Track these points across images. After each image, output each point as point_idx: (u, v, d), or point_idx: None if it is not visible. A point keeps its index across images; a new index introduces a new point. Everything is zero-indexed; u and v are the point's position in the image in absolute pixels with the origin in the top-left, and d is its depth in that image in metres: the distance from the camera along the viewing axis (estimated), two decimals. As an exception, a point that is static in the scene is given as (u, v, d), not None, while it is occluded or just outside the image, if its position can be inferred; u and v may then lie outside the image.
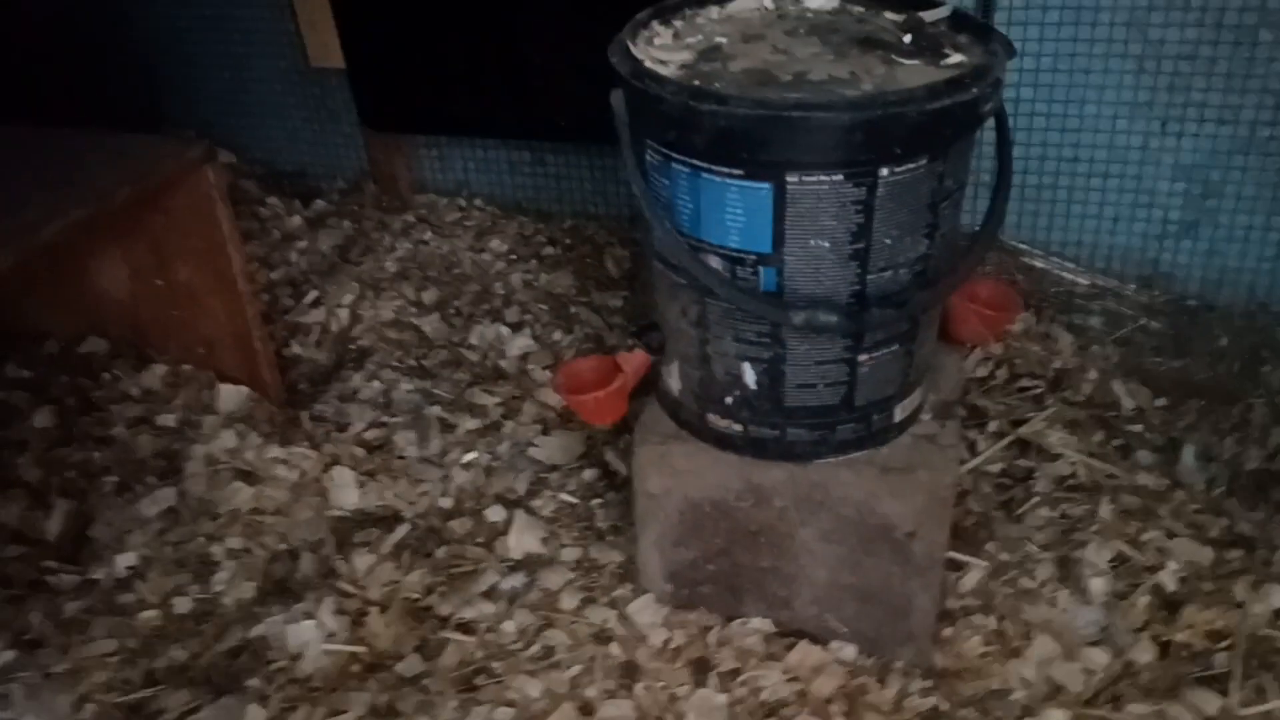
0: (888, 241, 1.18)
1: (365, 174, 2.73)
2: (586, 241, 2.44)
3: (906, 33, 1.30)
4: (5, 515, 1.71)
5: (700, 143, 1.15)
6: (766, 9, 1.41)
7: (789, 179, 1.13)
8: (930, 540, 1.36)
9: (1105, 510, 1.60)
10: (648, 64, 1.20)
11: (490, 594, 1.57)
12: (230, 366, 1.96)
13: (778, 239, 1.17)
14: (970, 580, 1.53)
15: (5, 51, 2.60)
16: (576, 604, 1.54)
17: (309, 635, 1.50)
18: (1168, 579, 1.49)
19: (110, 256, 1.96)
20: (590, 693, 1.41)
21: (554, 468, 1.80)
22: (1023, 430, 1.75)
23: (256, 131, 2.81)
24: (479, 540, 1.67)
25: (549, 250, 2.42)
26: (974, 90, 1.12)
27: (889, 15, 1.37)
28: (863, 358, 1.27)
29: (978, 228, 1.29)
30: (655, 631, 1.49)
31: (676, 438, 1.43)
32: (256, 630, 1.52)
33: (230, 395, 1.94)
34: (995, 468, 1.71)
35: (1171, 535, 1.55)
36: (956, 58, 1.23)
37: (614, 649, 1.47)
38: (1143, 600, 1.47)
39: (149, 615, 1.56)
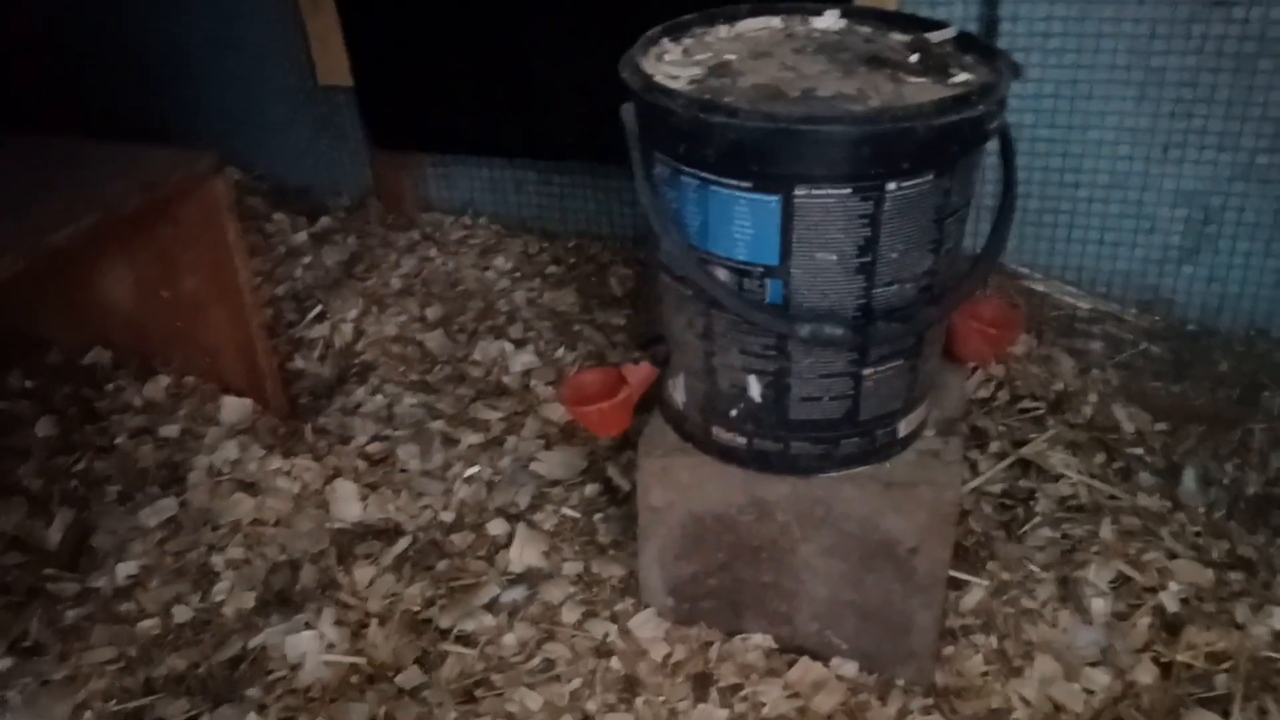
0: (894, 256, 1.19)
1: (371, 191, 2.74)
2: (590, 261, 2.45)
3: (913, 52, 1.32)
4: (6, 523, 1.71)
5: (710, 155, 1.16)
6: (775, 28, 1.43)
7: (797, 192, 1.14)
8: (933, 557, 1.36)
9: (1106, 531, 1.60)
10: (658, 78, 1.22)
11: (491, 607, 1.57)
12: (234, 378, 1.97)
13: (785, 251, 1.18)
14: (971, 599, 1.53)
15: (12, 68, 2.63)
16: (577, 618, 1.54)
17: (309, 646, 1.50)
18: (1169, 600, 1.49)
19: (117, 267, 1.97)
20: (590, 706, 1.41)
21: (556, 482, 1.79)
22: (1024, 451, 1.75)
23: (264, 148, 2.83)
24: (480, 554, 1.67)
25: (553, 269, 2.43)
26: (980, 107, 1.14)
27: (896, 35, 1.39)
28: (868, 372, 1.28)
29: (979, 250, 1.30)
30: (656, 646, 1.49)
31: (680, 451, 1.43)
32: (256, 640, 1.52)
33: (233, 407, 1.95)
34: (997, 488, 1.71)
35: (1173, 556, 1.56)
36: (963, 76, 1.24)
37: (615, 663, 1.47)
38: (1144, 621, 1.47)
39: (149, 624, 1.57)
